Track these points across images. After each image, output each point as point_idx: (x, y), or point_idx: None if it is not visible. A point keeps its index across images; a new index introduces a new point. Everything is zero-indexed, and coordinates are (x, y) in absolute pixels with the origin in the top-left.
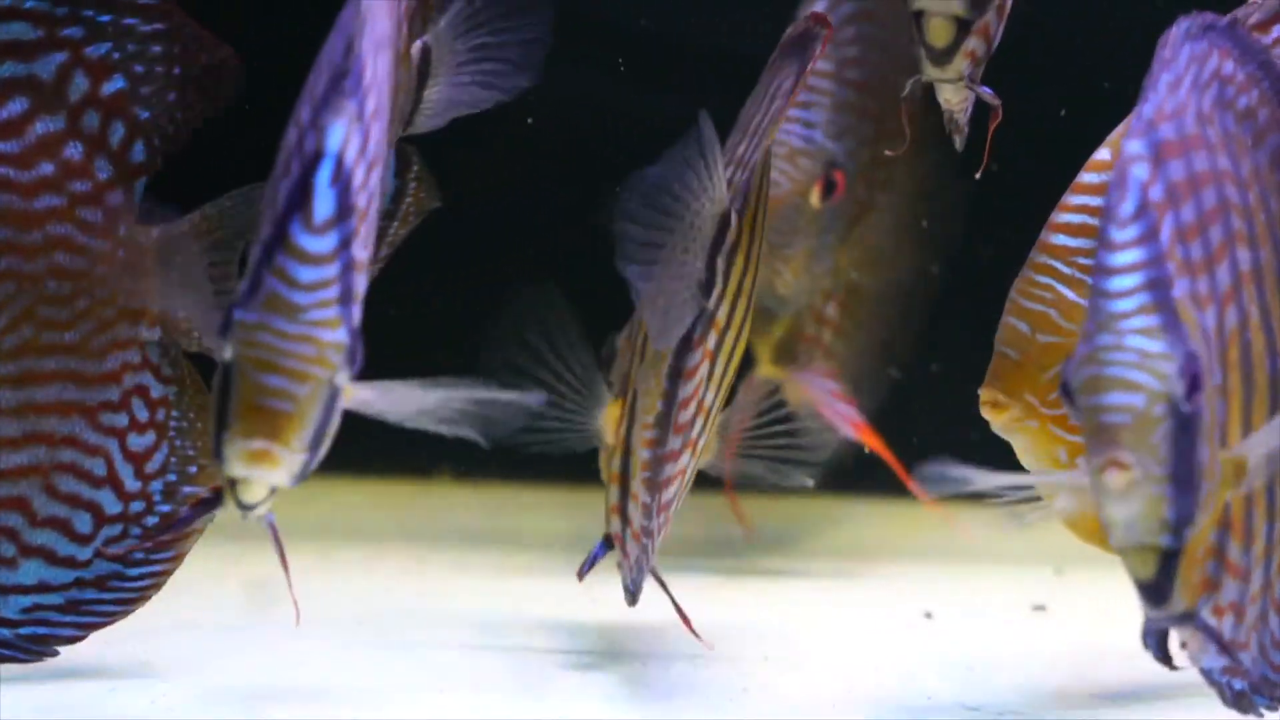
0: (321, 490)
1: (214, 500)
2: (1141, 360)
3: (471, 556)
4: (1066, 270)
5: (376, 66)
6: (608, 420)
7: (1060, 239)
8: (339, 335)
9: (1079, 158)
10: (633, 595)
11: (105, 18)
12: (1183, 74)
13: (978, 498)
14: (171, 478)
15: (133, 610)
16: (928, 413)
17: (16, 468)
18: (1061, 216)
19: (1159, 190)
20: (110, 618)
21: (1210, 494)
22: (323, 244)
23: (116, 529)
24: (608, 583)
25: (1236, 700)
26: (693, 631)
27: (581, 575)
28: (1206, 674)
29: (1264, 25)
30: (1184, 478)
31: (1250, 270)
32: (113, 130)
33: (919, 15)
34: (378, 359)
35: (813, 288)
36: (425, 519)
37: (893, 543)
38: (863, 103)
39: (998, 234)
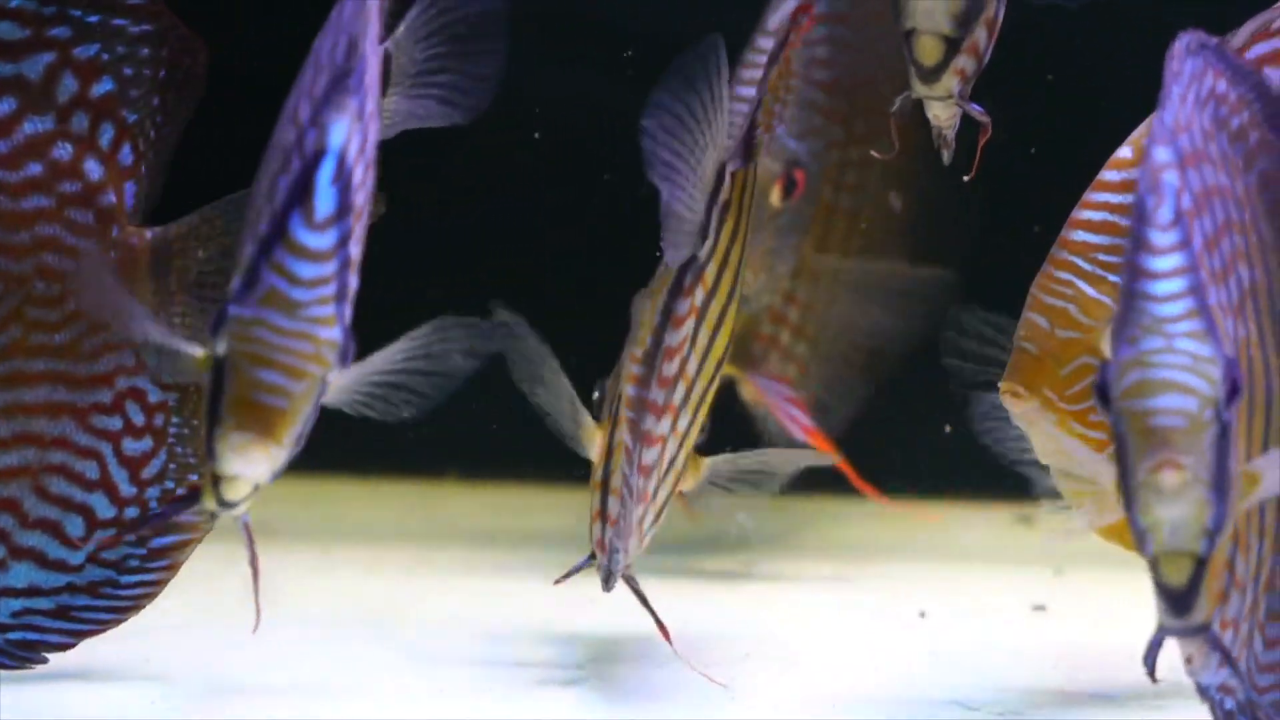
0: (321, 490)
1: (191, 497)
2: (1194, 364)
3: (472, 556)
4: (1087, 267)
5: (374, 69)
6: (592, 440)
7: (1081, 235)
8: (335, 333)
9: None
10: (605, 580)
11: (94, 18)
12: (1187, 89)
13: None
14: (170, 485)
15: (124, 619)
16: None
17: (6, 469)
18: (1083, 213)
19: (1188, 198)
20: (101, 626)
21: (1236, 504)
22: (323, 241)
23: (110, 534)
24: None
25: (1226, 719)
26: (666, 637)
27: (558, 581)
28: (1203, 690)
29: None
30: (1222, 484)
31: (1249, 287)
32: (102, 131)
33: (909, 34)
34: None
35: (772, 287)
36: (426, 519)
37: (892, 543)
38: (831, 104)
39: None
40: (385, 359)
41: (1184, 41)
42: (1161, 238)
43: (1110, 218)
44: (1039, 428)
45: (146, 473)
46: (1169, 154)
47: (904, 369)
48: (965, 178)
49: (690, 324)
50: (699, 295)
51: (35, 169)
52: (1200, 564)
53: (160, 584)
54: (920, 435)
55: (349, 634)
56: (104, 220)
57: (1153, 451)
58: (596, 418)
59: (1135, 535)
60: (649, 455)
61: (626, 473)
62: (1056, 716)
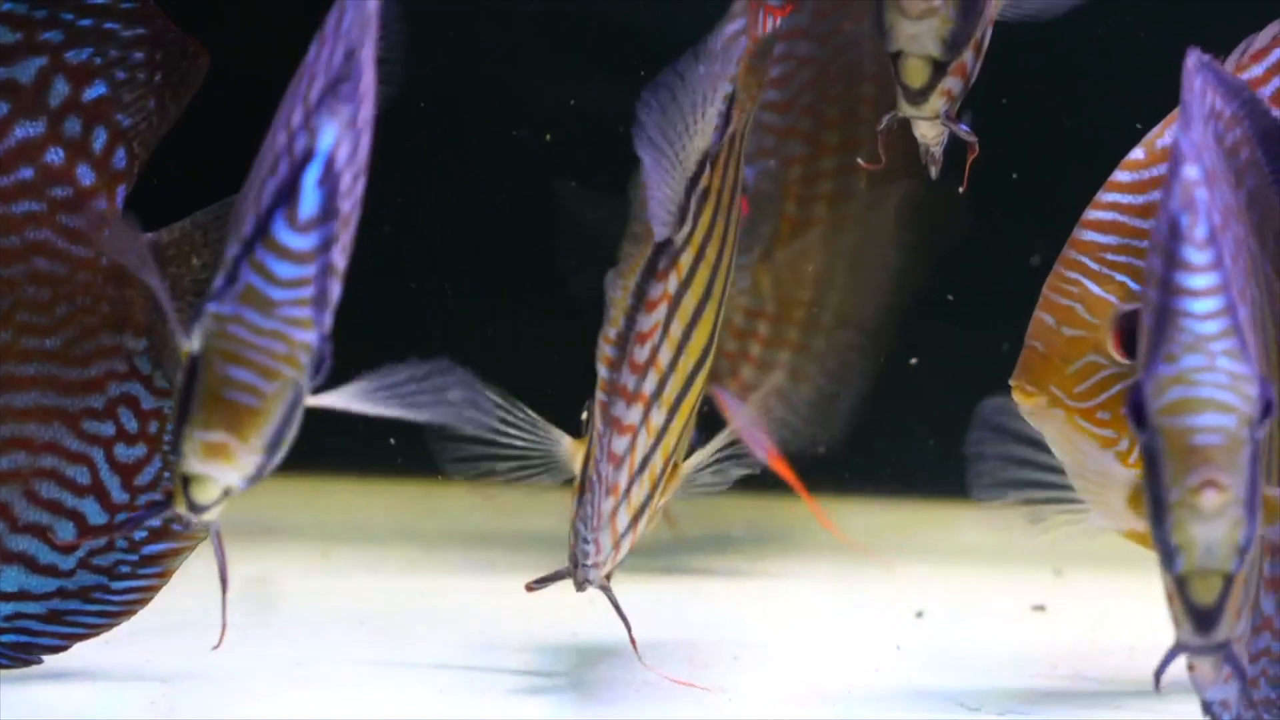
0: (321, 490)
1: (165, 503)
2: (1232, 382)
3: (472, 557)
4: (1094, 266)
5: (371, 78)
6: (576, 456)
7: (1091, 235)
8: (310, 336)
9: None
10: (577, 584)
11: (86, 22)
12: (1199, 107)
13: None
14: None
15: (117, 623)
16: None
17: None
18: (1093, 214)
19: (1217, 215)
20: (93, 630)
21: (1262, 521)
22: (305, 242)
23: (102, 540)
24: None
25: None
26: (634, 645)
27: (533, 587)
28: (1207, 705)
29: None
30: (1253, 503)
31: (1252, 303)
32: (95, 136)
33: (895, 55)
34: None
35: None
36: (426, 519)
37: (892, 543)
38: (788, 122)
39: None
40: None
41: (1194, 58)
42: (1198, 255)
43: (1120, 218)
44: (1053, 426)
45: (140, 479)
46: (1199, 171)
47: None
48: (959, 189)
49: (663, 309)
50: (673, 282)
51: (26, 173)
52: (1229, 582)
53: (152, 590)
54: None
55: (349, 634)
56: (95, 225)
57: (1195, 470)
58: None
59: (1163, 552)
60: (619, 443)
61: (597, 458)
62: (1056, 716)
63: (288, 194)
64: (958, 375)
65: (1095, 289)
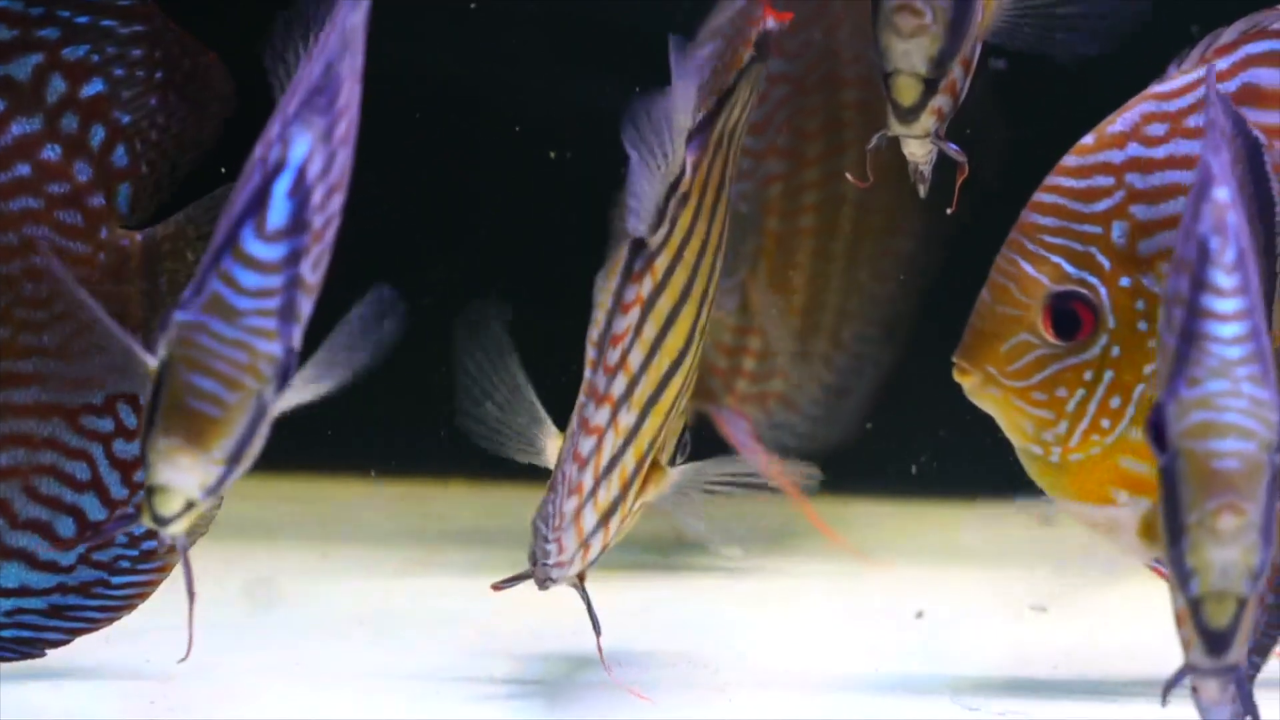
0: (321, 490)
1: (134, 515)
2: (1254, 407)
3: (472, 557)
4: (1031, 246)
5: (351, 94)
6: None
7: (1032, 217)
8: (274, 348)
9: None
10: (539, 582)
11: (83, 19)
12: (1227, 126)
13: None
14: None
15: (118, 618)
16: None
17: None
18: (1038, 196)
19: (1245, 239)
20: (95, 624)
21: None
22: (271, 252)
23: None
24: (606, 584)
25: None
26: (600, 654)
27: (498, 587)
28: None
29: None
30: (1268, 527)
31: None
32: (92, 133)
33: (889, 75)
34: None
35: (715, 326)
36: (426, 519)
37: (892, 543)
38: (760, 144)
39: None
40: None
41: (1213, 75)
42: (1227, 280)
43: (1060, 201)
44: (994, 406)
45: (139, 476)
46: (1229, 193)
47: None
48: (948, 210)
49: (637, 312)
50: (647, 285)
51: (23, 170)
52: (1242, 606)
53: (152, 584)
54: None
55: (348, 634)
56: (93, 222)
57: (1215, 495)
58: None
59: (1178, 574)
60: (585, 444)
61: (564, 459)
62: (1056, 716)
63: (257, 203)
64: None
65: (1029, 269)
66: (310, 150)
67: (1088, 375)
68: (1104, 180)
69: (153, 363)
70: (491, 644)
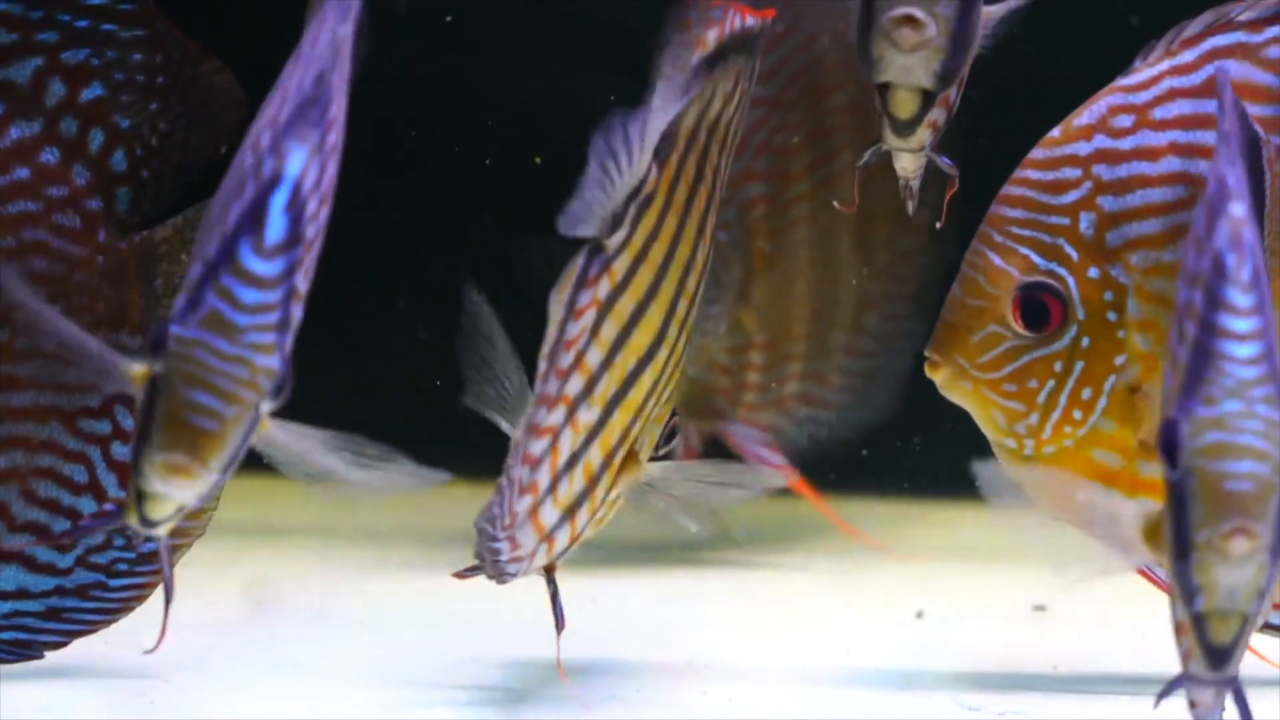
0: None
1: (117, 513)
2: (1267, 429)
3: (471, 557)
4: (998, 238)
5: (341, 104)
6: None
7: (1002, 209)
8: (273, 361)
9: None
10: (492, 577)
11: (83, 23)
12: (1241, 136)
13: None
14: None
15: (116, 620)
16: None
17: None
18: (1006, 189)
19: (1259, 255)
20: (93, 626)
21: None
22: (270, 268)
23: (99, 538)
24: (607, 584)
25: None
26: (558, 649)
27: (461, 576)
28: None
29: (1257, 25)
30: (1276, 548)
31: None
32: (91, 137)
33: (884, 87)
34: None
35: (709, 350)
36: (426, 519)
37: (892, 542)
38: (736, 168)
39: None
40: None
41: (1226, 76)
42: (1243, 299)
43: (1028, 193)
44: (966, 398)
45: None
46: (1244, 208)
47: None
48: (937, 224)
49: (591, 315)
50: (604, 287)
51: (22, 173)
52: (1246, 622)
53: (149, 587)
54: (920, 435)
55: (348, 634)
56: (90, 225)
57: (1228, 517)
58: None
59: (1183, 589)
60: (536, 445)
61: (510, 464)
62: (1056, 716)
63: (254, 219)
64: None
65: (997, 261)
66: (305, 164)
67: (1058, 366)
68: (1071, 172)
69: (135, 366)
70: (492, 643)
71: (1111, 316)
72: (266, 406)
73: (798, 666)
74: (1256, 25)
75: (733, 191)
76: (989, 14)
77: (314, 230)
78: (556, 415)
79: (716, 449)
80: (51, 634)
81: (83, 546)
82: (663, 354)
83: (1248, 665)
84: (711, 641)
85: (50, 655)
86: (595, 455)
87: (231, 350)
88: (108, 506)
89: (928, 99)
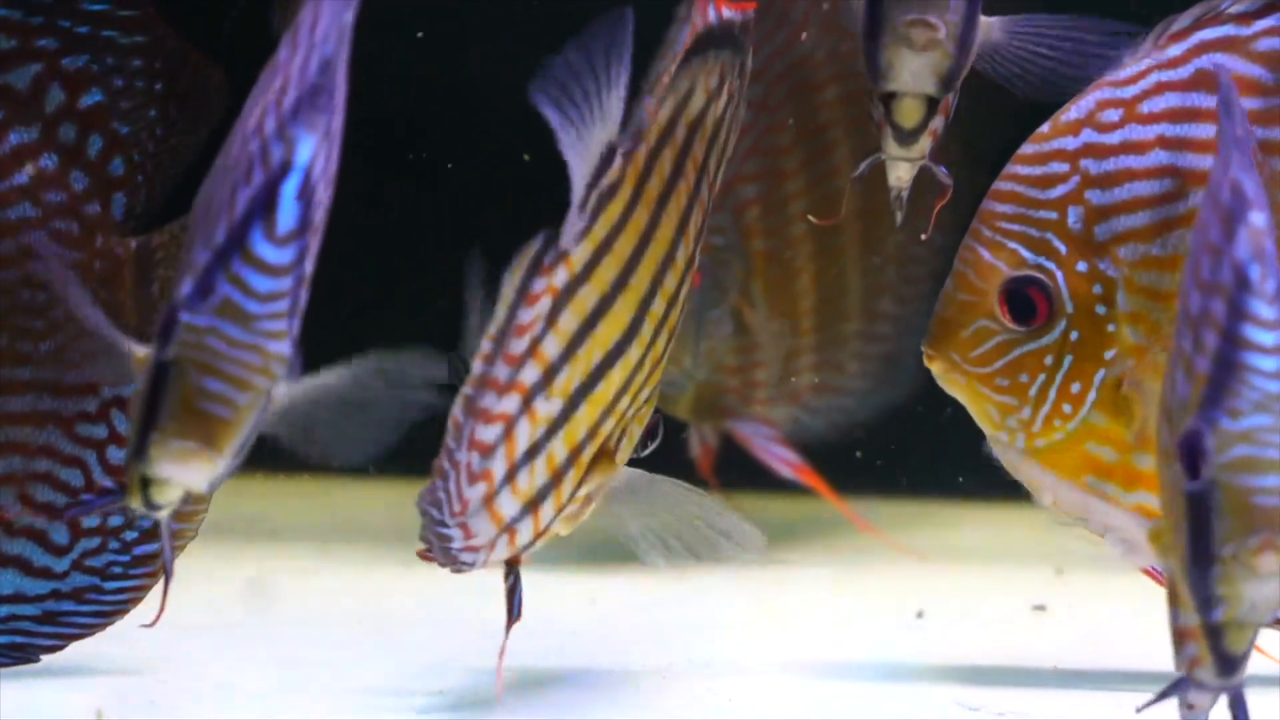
0: (321, 490)
1: (115, 494)
2: None
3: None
4: (987, 233)
5: (343, 90)
6: None
7: (992, 204)
8: (284, 347)
9: None
10: (444, 564)
11: (83, 29)
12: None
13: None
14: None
15: (111, 623)
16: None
17: None
18: (997, 184)
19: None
20: (88, 629)
21: None
22: (282, 256)
23: (94, 542)
24: (607, 583)
25: None
26: (503, 644)
27: (421, 555)
28: None
29: (1245, 18)
30: None
31: None
32: (90, 143)
33: (888, 98)
34: None
35: (710, 360)
36: None
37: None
38: (729, 173)
39: None
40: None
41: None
42: (1269, 312)
43: (1017, 188)
44: (962, 392)
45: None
46: (1265, 218)
47: None
48: (921, 236)
49: (546, 302)
50: (561, 275)
51: (21, 178)
52: (1257, 632)
53: (143, 589)
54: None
55: (347, 634)
56: (88, 230)
57: (1256, 531)
58: None
59: (1201, 599)
60: (487, 432)
61: (452, 448)
62: (1056, 716)
63: (264, 207)
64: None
65: (986, 255)
66: (315, 150)
67: (1048, 360)
68: (1059, 166)
69: (139, 351)
70: (491, 643)
71: (1101, 310)
72: (279, 392)
73: (798, 666)
74: (1245, 18)
75: (724, 196)
76: (985, 24)
77: (320, 215)
78: (509, 403)
79: (732, 448)
80: (48, 637)
81: (78, 551)
82: (635, 351)
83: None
84: (711, 641)
85: (49, 655)
86: (559, 449)
87: (244, 338)
88: (108, 484)
89: (932, 106)
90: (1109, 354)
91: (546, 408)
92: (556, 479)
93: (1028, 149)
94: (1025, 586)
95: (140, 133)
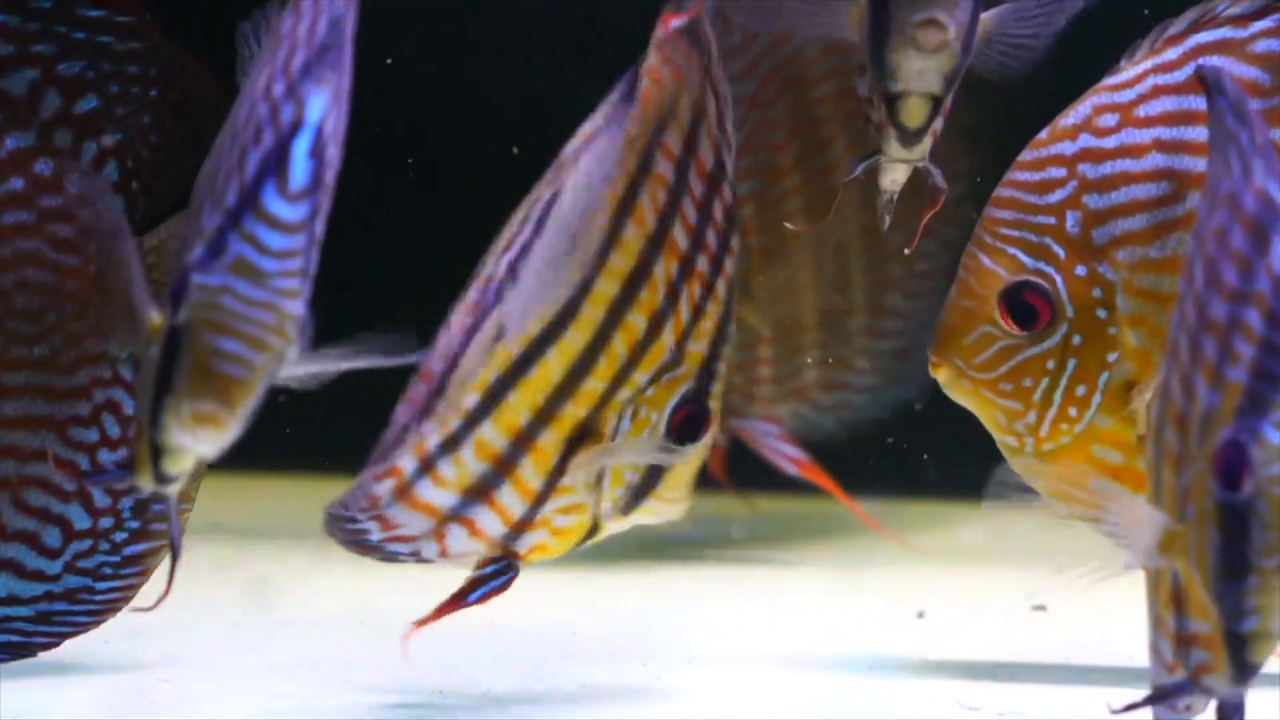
0: (321, 490)
1: (124, 468)
2: None
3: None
4: (989, 240)
5: (351, 52)
6: None
7: (992, 211)
8: (299, 307)
9: None
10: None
11: (79, 35)
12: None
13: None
14: (142, 494)
15: (104, 620)
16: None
17: None
18: (998, 190)
19: None
20: (82, 627)
21: None
22: (295, 213)
23: (86, 544)
24: (607, 583)
25: None
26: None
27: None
28: None
29: (1242, 20)
30: None
31: None
32: (85, 149)
33: (892, 99)
34: None
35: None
36: None
37: (892, 542)
38: None
39: None
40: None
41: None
42: None
43: (1016, 194)
44: (967, 398)
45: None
46: None
47: None
48: (905, 250)
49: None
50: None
51: (17, 184)
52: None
53: (134, 588)
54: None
55: (347, 634)
56: (83, 235)
57: None
58: None
59: (1229, 609)
60: (397, 426)
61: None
62: (1056, 716)
63: (277, 164)
64: None
65: (986, 261)
66: (326, 108)
67: (1050, 364)
68: (1057, 172)
69: (155, 318)
70: (491, 643)
71: (1101, 313)
72: (292, 354)
73: (798, 665)
74: (1242, 20)
75: None
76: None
77: (331, 175)
78: (418, 390)
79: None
80: (43, 636)
81: (70, 553)
82: (578, 336)
83: None
84: (711, 640)
85: (49, 654)
86: (492, 436)
87: (259, 295)
88: (118, 457)
89: (935, 106)
90: (1111, 357)
91: (469, 399)
92: (501, 467)
93: (1027, 155)
94: (1025, 586)
95: (135, 139)
